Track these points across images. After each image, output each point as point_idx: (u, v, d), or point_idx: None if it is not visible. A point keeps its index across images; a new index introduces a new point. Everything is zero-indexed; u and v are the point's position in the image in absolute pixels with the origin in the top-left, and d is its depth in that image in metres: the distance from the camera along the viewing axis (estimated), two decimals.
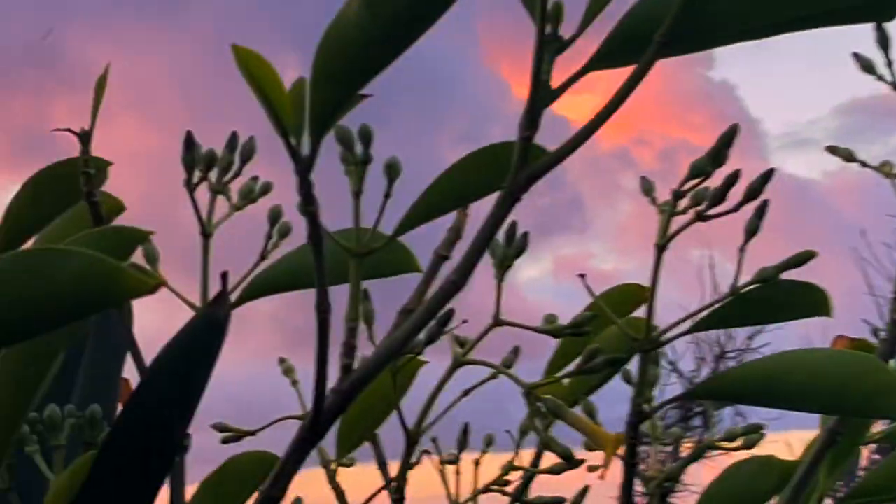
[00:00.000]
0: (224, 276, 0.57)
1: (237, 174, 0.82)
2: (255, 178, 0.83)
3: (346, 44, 0.55)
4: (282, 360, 0.89)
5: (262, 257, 0.81)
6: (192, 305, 0.79)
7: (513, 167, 0.56)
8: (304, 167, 0.61)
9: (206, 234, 0.81)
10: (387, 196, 0.66)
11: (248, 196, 0.83)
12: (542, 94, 0.55)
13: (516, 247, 0.70)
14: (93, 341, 0.91)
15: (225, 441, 0.87)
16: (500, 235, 0.70)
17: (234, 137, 0.82)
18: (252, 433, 0.85)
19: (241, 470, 0.80)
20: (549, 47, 0.55)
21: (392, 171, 0.66)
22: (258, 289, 0.79)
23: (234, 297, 0.80)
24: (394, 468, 0.84)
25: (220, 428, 0.87)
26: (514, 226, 0.70)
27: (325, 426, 0.62)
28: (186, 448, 0.81)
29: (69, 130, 0.76)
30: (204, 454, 0.86)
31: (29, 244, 0.84)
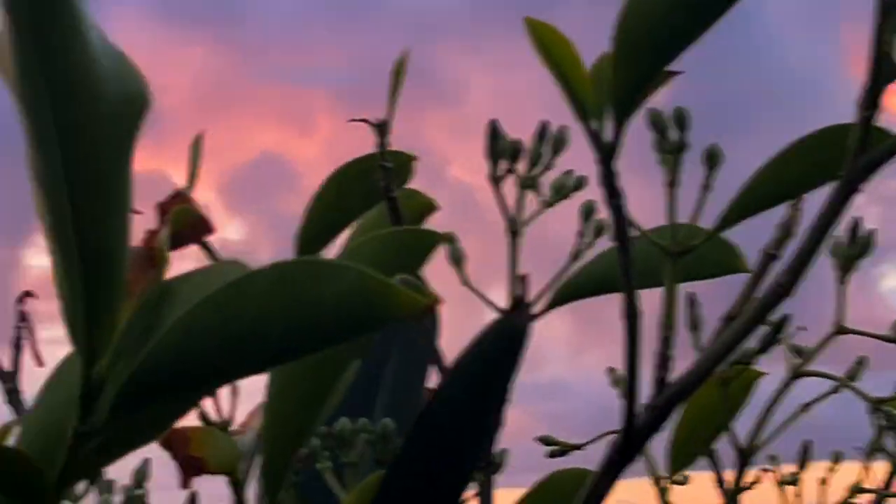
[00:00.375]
0: (524, 278, 0.51)
1: (547, 167, 0.76)
2: (568, 172, 0.77)
3: (650, 11, 0.48)
4: (611, 370, 0.83)
5: (574, 257, 0.74)
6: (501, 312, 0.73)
7: (850, 152, 0.48)
8: (606, 154, 0.54)
9: (514, 233, 0.75)
10: (706, 188, 0.58)
11: (561, 192, 0.77)
12: (884, 68, 0.46)
13: (860, 245, 0.60)
14: (397, 352, 0.86)
15: (552, 455, 0.82)
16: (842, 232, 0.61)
17: (544, 127, 0.76)
18: (578, 447, 0.79)
19: (562, 488, 0.74)
20: (892, 13, 0.46)
21: (712, 159, 0.58)
22: (569, 292, 0.73)
23: (540, 303, 0.74)
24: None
25: (545, 441, 0.82)
26: (857, 222, 0.61)
27: (636, 446, 0.56)
28: (497, 466, 0.75)
29: (364, 121, 0.71)
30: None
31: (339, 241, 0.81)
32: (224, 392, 0.59)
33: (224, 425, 0.59)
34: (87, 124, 0.42)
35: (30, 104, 0.42)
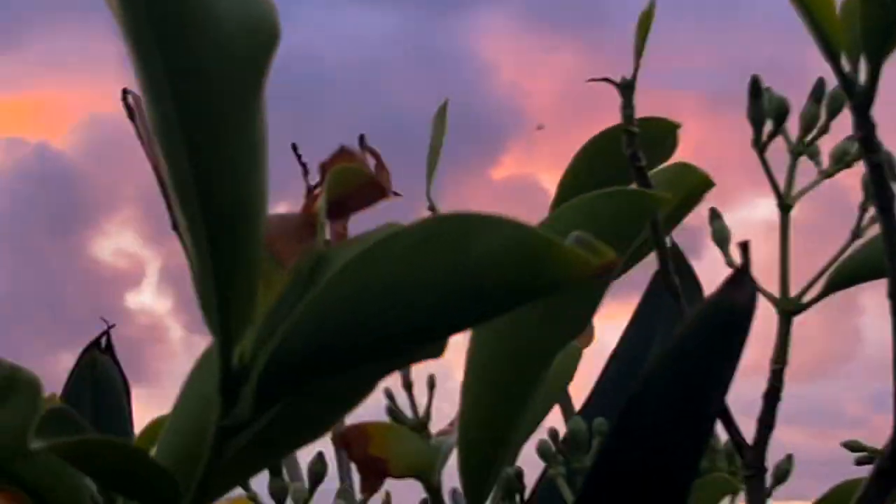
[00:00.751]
0: (745, 245, 0.42)
1: (823, 131, 0.66)
2: (850, 138, 0.66)
3: None
4: None
5: (855, 236, 0.64)
6: (770, 297, 0.63)
7: None
8: (861, 100, 0.44)
9: (786, 207, 0.65)
10: None
11: (843, 159, 0.66)
12: None
13: None
14: (662, 330, 0.78)
15: (859, 463, 0.73)
16: None
17: (820, 84, 0.66)
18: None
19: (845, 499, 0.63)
20: None
21: None
22: (849, 275, 0.62)
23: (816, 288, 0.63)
24: None
25: (851, 447, 0.74)
26: None
27: None
28: (785, 473, 0.65)
29: (607, 80, 0.63)
30: None
31: None
32: (421, 385, 0.53)
33: (420, 423, 0.52)
34: (200, 64, 0.36)
35: (134, 43, 0.36)
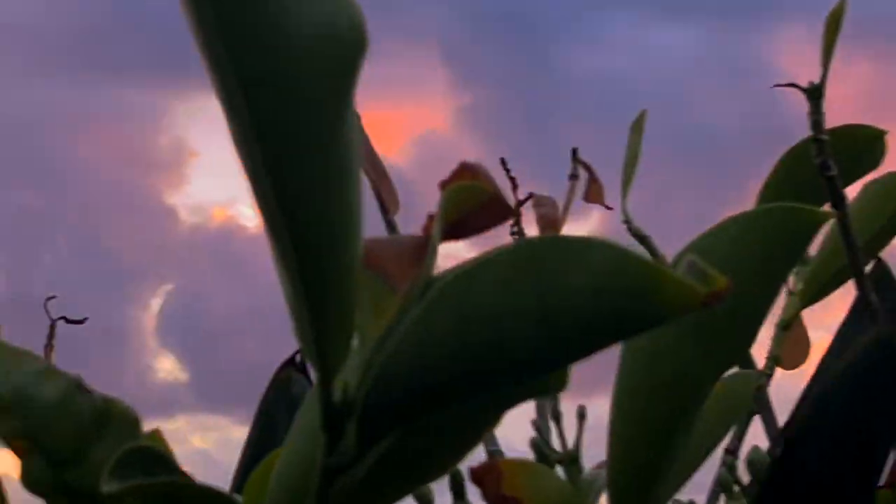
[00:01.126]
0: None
1: None
2: None
3: None
4: None
5: None
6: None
7: None
8: None
9: None
10: None
11: None
12: None
13: None
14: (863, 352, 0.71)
15: None
16: None
17: None
18: None
19: None
20: None
21: None
22: None
23: None
24: None
25: None
26: None
27: None
28: None
29: (793, 86, 0.57)
30: None
31: None
32: (570, 417, 0.48)
33: (568, 457, 0.48)
34: (277, 73, 0.33)
35: (204, 49, 0.33)
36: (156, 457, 0.35)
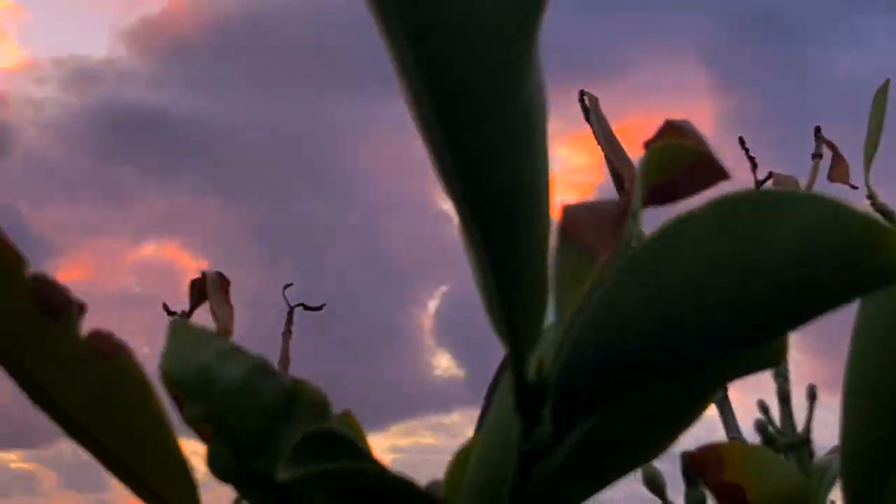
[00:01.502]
0: None
1: None
2: None
3: None
4: None
5: None
6: None
7: None
8: None
9: None
10: None
11: None
12: None
13: None
14: None
15: None
16: None
17: None
18: None
19: None
20: None
21: None
22: None
23: None
24: None
25: None
26: None
27: None
28: None
29: None
30: None
31: None
32: (799, 399, 0.44)
33: (798, 440, 0.43)
34: (450, 27, 0.30)
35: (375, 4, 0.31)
36: (341, 441, 0.33)
